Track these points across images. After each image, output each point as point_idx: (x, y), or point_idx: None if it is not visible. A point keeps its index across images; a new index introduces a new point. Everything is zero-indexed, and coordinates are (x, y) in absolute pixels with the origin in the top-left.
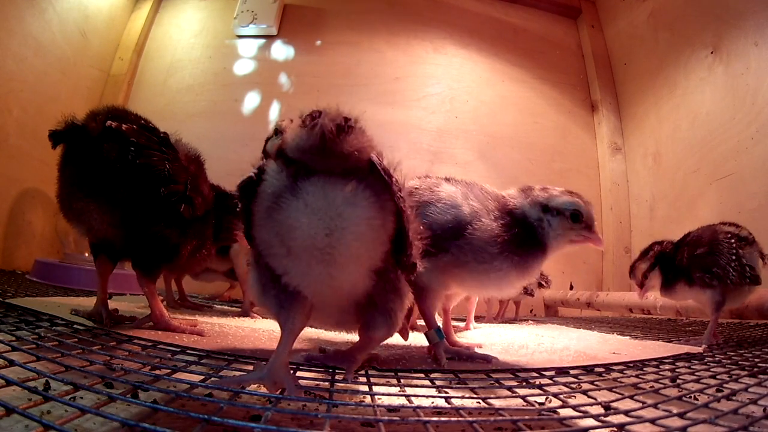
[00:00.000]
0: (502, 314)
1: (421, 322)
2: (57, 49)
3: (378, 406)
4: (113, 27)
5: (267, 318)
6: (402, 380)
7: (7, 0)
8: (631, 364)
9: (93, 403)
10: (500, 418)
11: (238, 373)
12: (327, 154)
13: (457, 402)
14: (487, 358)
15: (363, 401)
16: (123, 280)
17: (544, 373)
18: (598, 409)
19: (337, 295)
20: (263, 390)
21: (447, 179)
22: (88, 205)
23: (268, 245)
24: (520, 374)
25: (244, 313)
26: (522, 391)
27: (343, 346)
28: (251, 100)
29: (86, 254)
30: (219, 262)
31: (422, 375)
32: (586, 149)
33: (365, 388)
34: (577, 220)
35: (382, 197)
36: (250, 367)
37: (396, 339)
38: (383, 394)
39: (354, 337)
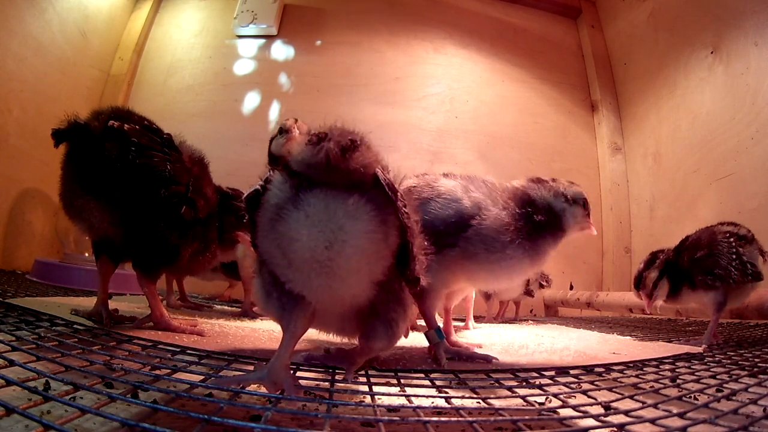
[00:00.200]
0: (502, 314)
1: (421, 322)
2: (57, 49)
3: (378, 406)
4: (113, 27)
5: (266, 318)
6: (402, 380)
7: (7, 0)
8: (631, 364)
9: (93, 403)
10: (500, 418)
11: (238, 373)
12: (331, 172)
13: (457, 402)
14: (487, 359)
15: (363, 401)
16: (123, 280)
17: (544, 373)
18: (598, 409)
19: (339, 304)
20: (263, 390)
21: (445, 175)
22: (88, 203)
23: (271, 256)
24: (520, 374)
25: (244, 313)
26: (522, 391)
27: (345, 346)
28: (251, 100)
29: (86, 254)
30: (222, 253)
31: (422, 375)
32: (586, 149)
33: (365, 388)
34: (585, 207)
35: (385, 211)
36: (251, 367)
37: None
38: (383, 394)
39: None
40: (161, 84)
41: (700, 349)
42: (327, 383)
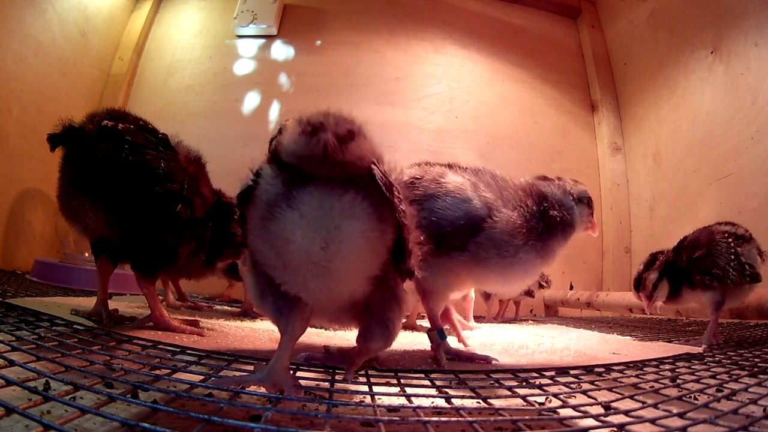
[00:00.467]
0: (502, 314)
1: (421, 322)
2: (57, 49)
3: (378, 406)
4: (113, 27)
5: (266, 318)
6: (402, 380)
7: (7, 0)
8: (631, 364)
9: (93, 403)
10: (500, 418)
11: (238, 374)
12: (326, 164)
13: (457, 402)
14: (487, 359)
15: (363, 401)
16: (123, 280)
17: (544, 373)
18: (598, 409)
19: (336, 302)
20: (263, 390)
21: (450, 166)
22: (83, 204)
23: (264, 256)
24: (520, 374)
25: (244, 313)
26: (522, 391)
27: (344, 345)
28: (251, 100)
29: (86, 254)
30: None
31: (422, 375)
32: (586, 149)
33: (365, 388)
34: (590, 205)
35: (381, 207)
36: (250, 367)
37: (396, 340)
38: (383, 394)
39: (353, 332)
40: (161, 84)
41: (700, 349)
42: (327, 383)
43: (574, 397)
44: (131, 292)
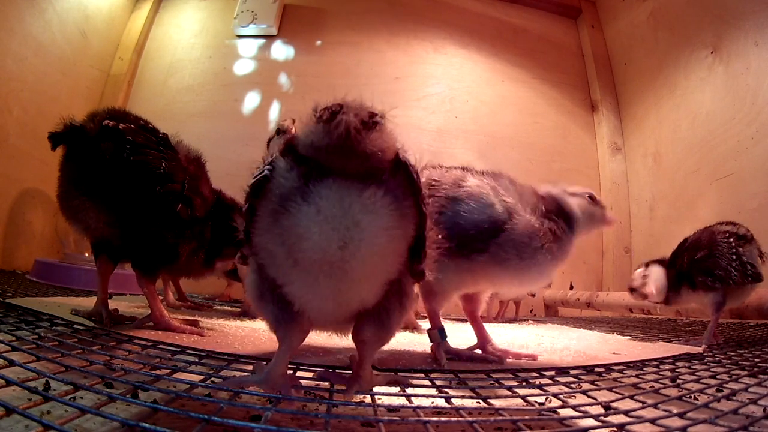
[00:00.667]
0: (502, 314)
1: (421, 323)
2: (57, 49)
3: (378, 406)
4: (113, 27)
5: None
6: None
7: (7, 0)
8: (631, 364)
9: (93, 403)
10: (500, 418)
11: (238, 374)
12: (346, 154)
13: (457, 402)
14: (487, 359)
15: (363, 401)
16: (123, 280)
17: (544, 373)
18: (598, 409)
19: (342, 309)
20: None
21: (466, 169)
22: (83, 203)
23: (271, 253)
24: (520, 374)
25: (244, 313)
26: (522, 391)
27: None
28: (251, 100)
29: (86, 254)
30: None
31: (422, 375)
32: (586, 149)
33: None
34: (593, 200)
35: (403, 203)
36: (250, 367)
37: (396, 339)
38: (383, 394)
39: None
40: (161, 84)
41: (700, 349)
42: (327, 383)
43: (574, 397)
44: (131, 292)
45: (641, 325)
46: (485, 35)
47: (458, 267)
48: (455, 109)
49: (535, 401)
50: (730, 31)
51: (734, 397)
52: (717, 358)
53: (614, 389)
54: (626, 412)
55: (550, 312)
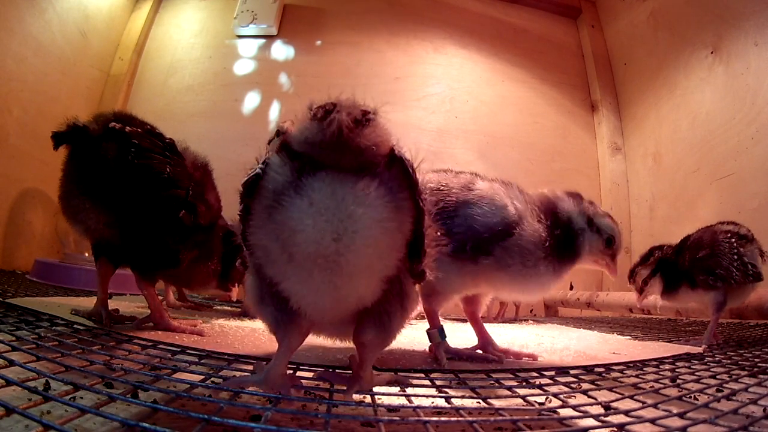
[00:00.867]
0: (502, 314)
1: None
2: (57, 49)
3: (378, 406)
4: (113, 27)
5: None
6: None
7: (7, 0)
8: (631, 364)
9: (93, 403)
10: (500, 418)
11: (238, 374)
12: (340, 149)
13: (457, 402)
14: (487, 359)
15: (363, 401)
16: (123, 280)
17: (544, 373)
18: (598, 409)
19: (341, 307)
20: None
21: (473, 174)
22: (84, 204)
23: (266, 250)
24: (520, 374)
25: (244, 313)
26: (522, 391)
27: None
28: (251, 100)
29: (86, 254)
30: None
31: (422, 375)
32: (586, 149)
33: None
34: (609, 245)
35: (398, 196)
36: (250, 368)
37: (396, 339)
38: (383, 394)
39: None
40: (161, 84)
41: (700, 349)
42: (327, 383)
43: (574, 397)
44: (131, 292)
45: (641, 325)
46: (485, 35)
47: (461, 269)
48: (455, 109)
49: (535, 401)
50: (730, 31)
51: (734, 397)
52: (717, 358)
53: (614, 389)
54: (626, 412)
55: (550, 312)
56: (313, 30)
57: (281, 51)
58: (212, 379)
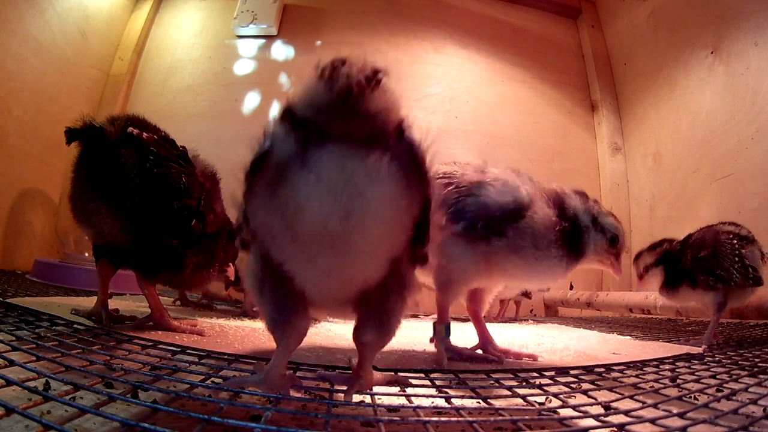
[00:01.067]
0: (502, 314)
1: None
2: (57, 49)
3: (378, 406)
4: (113, 27)
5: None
6: None
7: (7, 0)
8: (631, 364)
9: (93, 403)
10: (500, 418)
11: (238, 374)
12: (349, 114)
13: (457, 402)
14: (487, 359)
15: (363, 401)
16: (123, 280)
17: (544, 373)
18: (598, 409)
19: (345, 288)
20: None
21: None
22: (100, 208)
23: (269, 229)
24: (520, 374)
25: (244, 313)
26: (522, 391)
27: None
28: (251, 100)
29: (86, 254)
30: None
31: (422, 375)
32: (586, 149)
33: None
34: (613, 244)
35: (409, 173)
36: (250, 367)
37: (396, 339)
38: (383, 394)
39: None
40: (161, 84)
41: (700, 349)
42: (327, 383)
43: (574, 397)
44: (131, 292)
45: (641, 325)
46: (485, 35)
47: (475, 251)
48: (455, 109)
49: (535, 401)
50: (730, 31)
51: (734, 397)
52: (717, 358)
53: (614, 389)
54: (626, 412)
55: (550, 312)
56: (313, 30)
57: (281, 51)
58: (212, 379)
